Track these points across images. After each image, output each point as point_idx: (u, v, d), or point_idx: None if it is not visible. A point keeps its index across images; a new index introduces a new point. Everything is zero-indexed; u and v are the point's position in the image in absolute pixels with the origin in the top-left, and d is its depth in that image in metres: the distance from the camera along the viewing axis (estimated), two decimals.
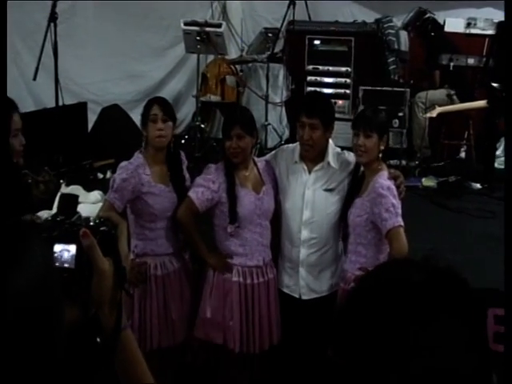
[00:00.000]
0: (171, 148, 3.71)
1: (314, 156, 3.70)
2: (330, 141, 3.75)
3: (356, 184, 3.64)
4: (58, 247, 1.15)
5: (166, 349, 3.74)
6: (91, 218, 1.19)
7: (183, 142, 7.53)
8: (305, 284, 3.77)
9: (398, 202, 3.40)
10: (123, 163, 3.64)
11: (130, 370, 1.18)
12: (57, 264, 1.12)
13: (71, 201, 1.27)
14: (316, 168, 3.71)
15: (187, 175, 3.78)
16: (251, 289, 3.70)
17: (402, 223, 3.37)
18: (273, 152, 4.03)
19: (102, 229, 1.18)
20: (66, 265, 1.14)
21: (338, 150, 3.78)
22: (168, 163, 3.70)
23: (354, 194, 3.61)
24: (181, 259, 3.78)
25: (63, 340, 0.90)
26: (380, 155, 3.53)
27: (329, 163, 3.70)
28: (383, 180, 3.45)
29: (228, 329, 3.67)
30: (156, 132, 3.56)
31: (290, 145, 3.95)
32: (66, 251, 1.15)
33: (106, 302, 1.14)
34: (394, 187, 3.44)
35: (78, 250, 1.15)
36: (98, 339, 1.13)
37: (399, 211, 3.39)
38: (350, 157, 3.73)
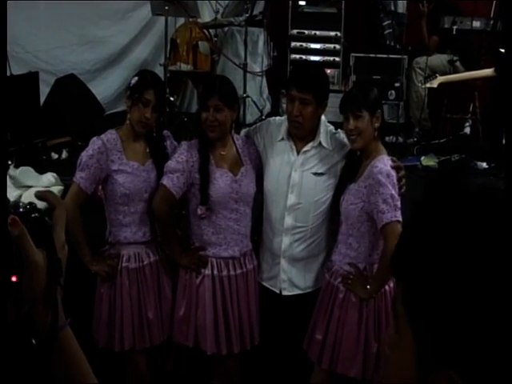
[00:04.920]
0: (153, 128, 3.76)
1: (303, 134, 3.69)
2: (323, 117, 3.74)
3: (351, 167, 3.62)
4: None
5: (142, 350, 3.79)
6: (20, 204, 1.17)
7: None
8: (286, 278, 3.77)
9: (396, 193, 3.38)
10: (93, 138, 3.71)
11: (70, 372, 1.18)
12: None
13: None
14: (305, 148, 3.69)
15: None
16: (227, 281, 3.71)
17: (401, 218, 3.35)
18: (257, 125, 4.00)
19: (33, 215, 1.15)
20: None
21: (332, 128, 3.76)
22: (148, 140, 3.76)
23: (348, 178, 3.59)
24: (160, 250, 3.81)
25: None
26: (376, 133, 3.51)
27: (320, 143, 3.68)
28: (382, 165, 3.41)
29: (201, 328, 3.69)
30: (142, 118, 3.64)
31: (278, 118, 3.94)
32: None
33: (41, 299, 1.12)
34: (394, 174, 3.40)
35: None
36: (34, 341, 1.12)
37: (398, 204, 3.37)
38: (346, 138, 3.73)
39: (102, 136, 3.69)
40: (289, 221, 3.71)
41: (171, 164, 3.63)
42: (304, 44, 7.70)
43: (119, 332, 3.71)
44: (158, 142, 3.79)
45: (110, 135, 3.70)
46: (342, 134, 3.73)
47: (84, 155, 3.65)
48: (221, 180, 3.64)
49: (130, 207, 3.70)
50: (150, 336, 3.77)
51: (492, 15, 7.50)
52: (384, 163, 3.43)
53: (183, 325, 3.73)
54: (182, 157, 3.62)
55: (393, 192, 3.35)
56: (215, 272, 3.69)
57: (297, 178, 3.68)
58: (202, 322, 3.68)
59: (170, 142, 3.85)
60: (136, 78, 3.70)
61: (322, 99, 3.63)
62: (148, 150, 3.76)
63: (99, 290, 3.76)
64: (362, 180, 3.47)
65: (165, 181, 3.62)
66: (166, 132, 3.92)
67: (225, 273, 3.71)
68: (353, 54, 7.41)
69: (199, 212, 3.64)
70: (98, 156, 3.62)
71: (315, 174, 3.68)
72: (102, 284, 3.74)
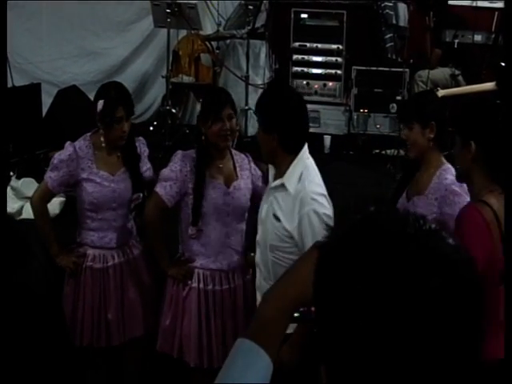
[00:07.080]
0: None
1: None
2: (304, 155, 3.29)
3: (408, 177, 3.61)
4: None
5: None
6: None
7: (152, 129, 7.52)
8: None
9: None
10: (66, 143, 3.78)
11: None
12: None
13: None
14: (274, 184, 3.31)
15: (149, 164, 3.90)
16: (212, 295, 3.70)
17: None
18: None
19: None
20: None
21: (310, 165, 3.28)
22: (122, 150, 3.80)
23: (404, 188, 3.58)
24: (126, 253, 3.88)
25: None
26: (431, 144, 3.46)
27: (283, 185, 3.24)
28: (452, 176, 3.38)
29: (185, 339, 3.69)
30: (120, 133, 3.69)
31: None
32: None
33: None
34: (465, 184, 3.41)
35: None
36: None
37: None
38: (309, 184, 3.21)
39: (76, 143, 3.76)
40: (257, 254, 3.47)
41: (165, 172, 3.65)
42: (306, 57, 7.71)
43: (80, 328, 3.81)
44: (131, 148, 3.83)
45: (84, 142, 3.76)
46: (311, 177, 3.24)
47: (56, 157, 3.75)
48: (213, 191, 3.63)
49: (97, 214, 3.78)
50: (109, 336, 3.85)
51: (493, 29, 7.52)
52: (452, 173, 3.40)
53: (169, 335, 3.74)
54: (175, 166, 3.63)
55: (468, 199, 3.33)
56: (201, 285, 3.68)
57: (264, 211, 3.39)
58: (187, 334, 3.69)
59: (141, 146, 3.91)
60: (101, 102, 3.65)
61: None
62: (121, 158, 3.80)
63: (66, 288, 3.87)
64: (430, 192, 3.45)
65: (158, 188, 3.63)
66: (139, 138, 3.95)
67: (210, 287, 3.69)
68: (354, 67, 7.42)
69: (190, 232, 3.65)
70: (67, 162, 3.70)
71: (274, 215, 3.27)
72: (68, 281, 3.84)
